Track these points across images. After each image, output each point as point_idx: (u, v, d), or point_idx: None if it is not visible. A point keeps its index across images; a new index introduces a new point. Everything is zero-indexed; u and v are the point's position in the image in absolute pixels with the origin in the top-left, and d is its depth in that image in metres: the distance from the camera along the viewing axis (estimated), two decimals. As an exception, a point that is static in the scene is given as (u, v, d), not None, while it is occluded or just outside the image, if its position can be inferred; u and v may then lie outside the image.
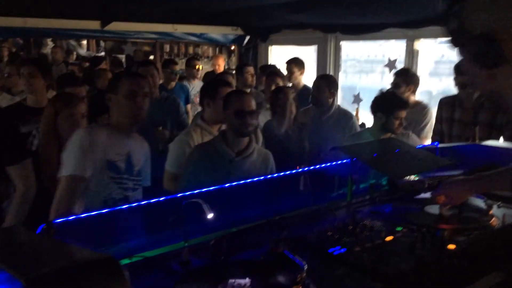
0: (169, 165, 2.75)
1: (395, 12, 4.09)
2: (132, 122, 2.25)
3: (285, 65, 4.79)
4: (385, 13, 4.18)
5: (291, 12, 4.65)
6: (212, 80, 3.90)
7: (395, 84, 3.85)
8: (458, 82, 3.30)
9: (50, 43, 10.17)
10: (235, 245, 1.65)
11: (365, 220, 1.75)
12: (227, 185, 1.89)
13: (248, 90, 4.46)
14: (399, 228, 1.64)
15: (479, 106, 3.29)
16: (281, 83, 4.04)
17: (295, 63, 4.74)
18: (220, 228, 1.74)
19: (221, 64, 6.17)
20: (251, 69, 4.71)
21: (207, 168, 2.41)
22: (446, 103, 3.50)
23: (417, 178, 2.26)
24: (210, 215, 1.51)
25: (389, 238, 1.56)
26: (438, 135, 3.57)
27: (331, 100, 3.68)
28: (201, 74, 5.55)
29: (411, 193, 2.10)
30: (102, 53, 10.20)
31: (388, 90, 3.13)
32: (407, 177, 2.21)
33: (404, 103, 2.96)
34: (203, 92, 3.01)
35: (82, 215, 1.58)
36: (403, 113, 2.90)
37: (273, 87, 3.88)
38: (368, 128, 3.24)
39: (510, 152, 2.54)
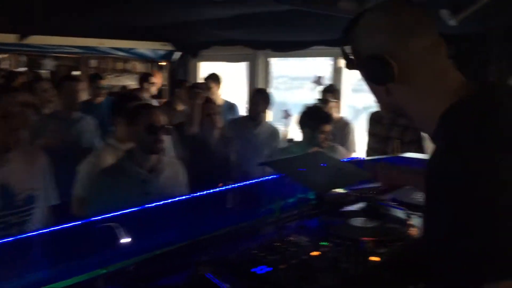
0: (76, 188, 2.55)
1: (321, 31, 4.21)
2: (2, 149, 1.94)
3: (203, 81, 4.83)
4: (312, 31, 4.30)
5: (221, 28, 4.64)
6: (120, 96, 3.80)
7: (324, 100, 3.96)
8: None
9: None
10: (156, 269, 1.56)
11: (291, 235, 1.72)
12: (146, 205, 1.79)
13: (182, 106, 4.43)
14: (325, 243, 1.63)
15: (391, 123, 3.44)
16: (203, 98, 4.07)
17: (212, 79, 4.79)
18: (141, 252, 1.63)
19: (158, 82, 6.03)
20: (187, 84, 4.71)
21: (118, 191, 2.23)
22: (371, 118, 3.63)
23: (343, 191, 2.29)
24: (125, 240, 1.40)
25: (315, 253, 1.54)
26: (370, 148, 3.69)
27: (264, 114, 3.77)
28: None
29: (338, 206, 2.11)
30: (23, 69, 9.61)
31: (313, 105, 3.20)
32: (334, 190, 2.23)
33: (328, 118, 3.03)
34: (112, 109, 2.86)
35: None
36: (328, 127, 2.96)
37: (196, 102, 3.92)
38: (295, 142, 3.29)
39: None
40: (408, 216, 1.80)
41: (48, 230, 1.69)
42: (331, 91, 4.03)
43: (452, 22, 1.50)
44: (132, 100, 2.76)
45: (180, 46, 6.23)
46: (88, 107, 4.12)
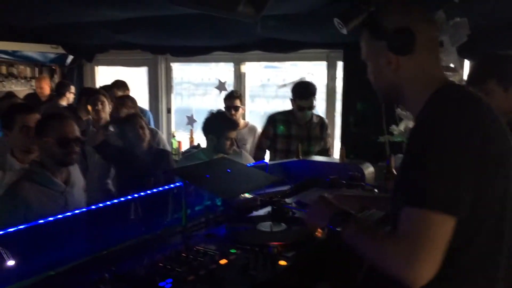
0: None
1: (220, 36, 4.22)
2: None
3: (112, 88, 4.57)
4: (212, 37, 4.29)
5: (118, 31, 4.43)
6: (9, 108, 3.46)
7: (234, 107, 3.93)
8: (297, 105, 3.53)
9: None
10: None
11: (199, 244, 1.68)
12: (40, 221, 1.63)
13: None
14: (233, 250, 1.61)
15: (309, 124, 3.60)
16: (106, 103, 3.90)
17: (117, 87, 4.56)
18: (31, 274, 1.48)
19: (45, 87, 5.58)
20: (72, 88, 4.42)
21: (37, 205, 2.07)
22: (280, 120, 3.66)
23: (250, 196, 2.30)
24: (10, 262, 1.25)
25: (223, 261, 1.52)
26: (263, 150, 3.72)
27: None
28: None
29: (245, 212, 2.11)
30: None
31: (217, 111, 3.17)
32: (240, 196, 2.23)
33: (234, 124, 3.03)
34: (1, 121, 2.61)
35: None
36: (233, 134, 2.95)
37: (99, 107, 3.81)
38: (201, 149, 3.23)
39: (330, 165, 2.78)
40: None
41: None
42: (237, 97, 4.04)
43: (344, 31, 1.58)
44: (22, 112, 2.51)
45: (72, 49, 5.82)
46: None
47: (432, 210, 1.04)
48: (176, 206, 2.08)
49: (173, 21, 3.73)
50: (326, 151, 3.71)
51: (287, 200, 2.19)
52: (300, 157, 2.85)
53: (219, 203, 2.27)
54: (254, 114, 5.38)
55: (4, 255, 1.28)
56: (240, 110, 4.02)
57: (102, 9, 3.36)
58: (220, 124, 2.94)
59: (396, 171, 2.40)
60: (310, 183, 2.46)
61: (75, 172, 2.41)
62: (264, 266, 1.46)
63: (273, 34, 3.99)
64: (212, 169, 2.13)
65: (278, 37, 4.10)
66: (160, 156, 3.32)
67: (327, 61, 4.53)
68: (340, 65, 4.30)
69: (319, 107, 4.31)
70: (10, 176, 2.38)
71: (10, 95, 5.14)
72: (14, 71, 7.87)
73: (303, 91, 3.56)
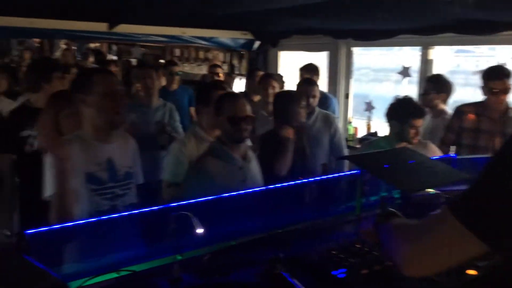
0: (166, 174, 2.61)
1: (408, 17, 3.93)
2: (109, 126, 2.05)
3: (298, 72, 4.67)
4: (398, 18, 4.02)
5: (301, 17, 4.51)
6: (205, 85, 3.77)
7: (424, 90, 3.66)
8: (489, 89, 3.12)
9: (63, 45, 10.14)
10: (230, 261, 1.51)
11: (374, 237, 1.59)
12: (224, 195, 1.76)
13: (258, 96, 4.35)
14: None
15: (504, 119, 3.12)
16: (277, 87, 3.92)
17: (306, 70, 4.60)
18: (215, 241, 1.60)
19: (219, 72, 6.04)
20: (260, 74, 4.60)
21: (219, 179, 2.21)
22: (468, 112, 3.28)
23: (433, 192, 2.10)
24: (199, 230, 1.37)
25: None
26: (447, 145, 3.37)
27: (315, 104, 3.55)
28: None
29: (426, 208, 1.93)
30: (114, 57, 10.18)
31: (404, 96, 2.94)
32: (422, 191, 2.05)
33: (420, 112, 2.77)
34: (196, 98, 2.87)
35: (63, 225, 1.46)
36: (419, 122, 2.71)
37: (270, 91, 3.83)
38: (383, 136, 3.04)
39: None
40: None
41: (128, 213, 1.71)
42: (436, 82, 3.70)
43: None
44: (216, 89, 2.73)
45: (259, 35, 6.17)
46: (163, 93, 4.21)
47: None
48: (350, 194, 2.02)
49: (355, 3, 3.60)
50: None
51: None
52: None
53: (396, 196, 2.14)
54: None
55: (195, 223, 1.40)
56: (441, 97, 3.64)
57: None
58: (406, 110, 2.73)
59: None
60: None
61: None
62: (449, 273, 1.30)
63: (472, 14, 3.54)
64: (392, 159, 1.99)
65: (476, 17, 3.62)
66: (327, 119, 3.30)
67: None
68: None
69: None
70: (190, 147, 2.61)
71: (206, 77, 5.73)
72: (209, 55, 8.80)
73: (496, 71, 3.10)
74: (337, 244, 1.51)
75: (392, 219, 1.21)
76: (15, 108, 3.34)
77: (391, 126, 2.81)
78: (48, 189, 1.97)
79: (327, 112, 3.73)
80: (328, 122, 3.50)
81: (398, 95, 2.91)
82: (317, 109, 3.55)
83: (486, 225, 0.92)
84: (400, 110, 2.75)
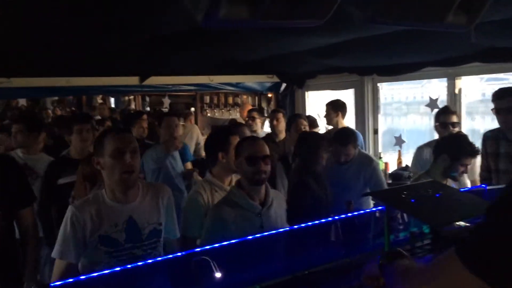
0: (186, 229, 2.51)
1: (430, 50, 3.93)
2: (123, 187, 1.99)
3: (325, 107, 4.74)
4: (422, 51, 4.03)
5: (325, 57, 4.58)
6: (221, 131, 3.78)
7: (452, 123, 3.60)
8: (496, 109, 3.08)
9: (100, 100, 10.65)
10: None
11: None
12: (248, 237, 1.76)
13: (281, 136, 4.40)
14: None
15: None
16: (306, 127, 3.94)
17: (331, 106, 4.66)
18: (240, 286, 1.60)
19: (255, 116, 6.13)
20: (280, 114, 4.66)
21: (234, 227, 2.19)
22: (489, 137, 3.24)
23: (464, 225, 2.03)
24: (218, 274, 1.37)
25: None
26: (485, 171, 3.31)
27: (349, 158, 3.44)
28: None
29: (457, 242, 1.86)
30: (147, 108, 10.57)
31: (458, 133, 2.90)
32: (453, 224, 1.99)
33: (476, 152, 2.73)
34: (212, 144, 2.79)
35: (89, 276, 1.49)
36: (471, 161, 2.67)
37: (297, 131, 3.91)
38: (427, 171, 2.93)
39: None
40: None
41: (152, 260, 1.74)
42: (453, 113, 3.65)
43: None
44: (232, 135, 2.72)
45: (285, 77, 6.29)
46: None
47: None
48: (378, 230, 1.98)
49: (378, 40, 3.64)
50: None
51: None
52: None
53: (426, 231, 2.08)
54: (474, 133, 4.82)
55: (214, 268, 1.41)
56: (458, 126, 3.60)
57: (313, 36, 3.51)
58: (461, 147, 2.69)
59: None
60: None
61: (273, 192, 2.41)
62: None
63: (490, 42, 3.51)
64: (418, 193, 1.96)
65: (498, 45, 3.59)
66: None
67: None
68: None
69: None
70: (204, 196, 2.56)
71: (233, 122, 5.83)
72: (238, 100, 8.99)
73: (499, 91, 3.07)
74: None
75: (398, 260, 1.18)
76: (54, 160, 3.53)
77: (439, 160, 2.74)
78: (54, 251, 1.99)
79: (366, 154, 3.68)
80: (364, 165, 3.42)
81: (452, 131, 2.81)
82: (355, 152, 3.47)
83: (494, 271, 0.89)
84: (455, 146, 2.71)
